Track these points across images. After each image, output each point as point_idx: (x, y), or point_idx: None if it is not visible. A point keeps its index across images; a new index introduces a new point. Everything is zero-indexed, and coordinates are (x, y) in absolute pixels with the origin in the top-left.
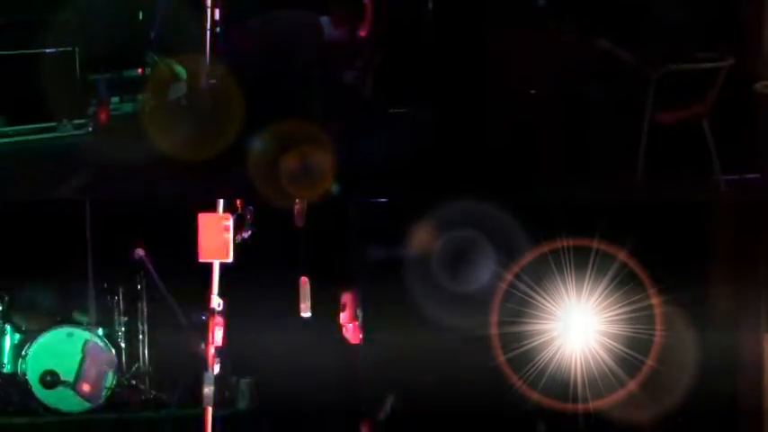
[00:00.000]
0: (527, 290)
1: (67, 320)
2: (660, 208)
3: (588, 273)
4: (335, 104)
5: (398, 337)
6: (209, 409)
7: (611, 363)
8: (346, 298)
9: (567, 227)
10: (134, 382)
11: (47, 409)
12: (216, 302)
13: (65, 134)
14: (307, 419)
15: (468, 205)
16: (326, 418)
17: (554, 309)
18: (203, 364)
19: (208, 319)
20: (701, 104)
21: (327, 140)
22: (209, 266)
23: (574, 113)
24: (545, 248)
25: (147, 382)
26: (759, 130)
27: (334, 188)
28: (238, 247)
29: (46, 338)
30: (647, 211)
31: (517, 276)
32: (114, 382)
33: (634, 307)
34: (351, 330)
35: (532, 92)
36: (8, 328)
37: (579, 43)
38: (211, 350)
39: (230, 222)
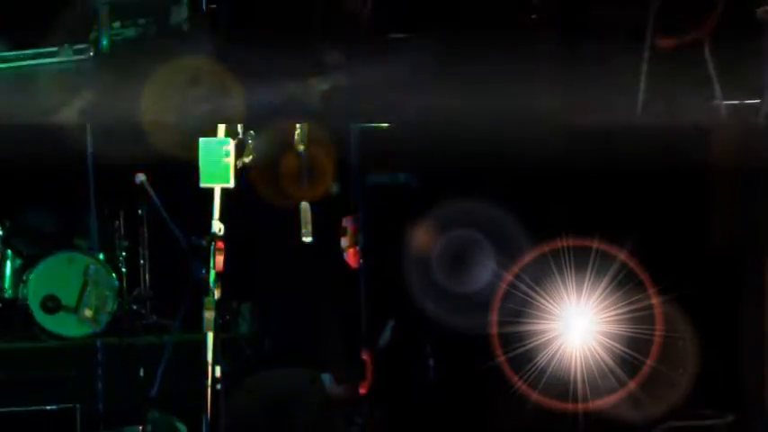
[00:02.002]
0: (527, 290)
1: (68, 245)
2: (659, 131)
3: (588, 273)
4: (336, 30)
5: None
6: (210, 334)
7: (611, 363)
8: (347, 222)
9: (567, 227)
10: (135, 306)
11: (48, 333)
12: (217, 227)
13: (66, 59)
14: (307, 344)
15: (469, 206)
16: (327, 344)
17: (554, 309)
18: (204, 289)
19: (209, 243)
20: (703, 29)
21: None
22: (210, 191)
23: (574, 39)
24: (545, 248)
25: (147, 306)
26: (760, 55)
27: (334, 187)
28: (239, 172)
29: (47, 263)
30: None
31: (517, 276)
32: (115, 307)
33: (634, 307)
34: (351, 255)
35: (533, 17)
36: (9, 252)
37: None
38: (212, 275)
39: (231, 147)
